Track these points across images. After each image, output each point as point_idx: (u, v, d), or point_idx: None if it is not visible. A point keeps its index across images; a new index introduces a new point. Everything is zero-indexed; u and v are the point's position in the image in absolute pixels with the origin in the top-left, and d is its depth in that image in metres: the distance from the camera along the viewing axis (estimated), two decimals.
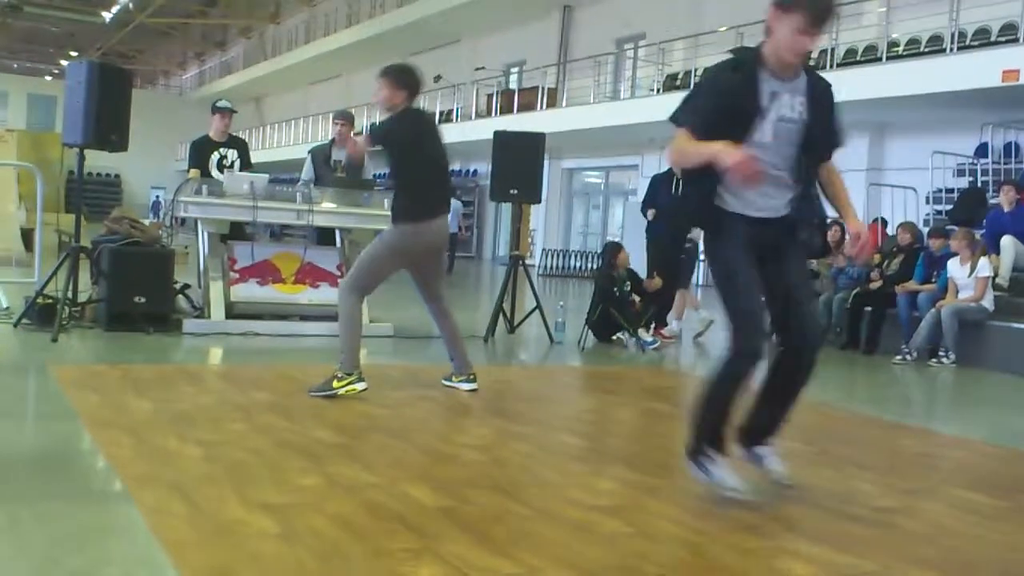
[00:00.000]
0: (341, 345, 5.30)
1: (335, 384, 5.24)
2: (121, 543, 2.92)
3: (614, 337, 8.81)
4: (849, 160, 12.17)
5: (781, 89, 3.45)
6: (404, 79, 5.45)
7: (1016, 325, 8.49)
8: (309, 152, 8.82)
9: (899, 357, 8.71)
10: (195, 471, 3.63)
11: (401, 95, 5.42)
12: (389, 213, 5.52)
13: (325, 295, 8.09)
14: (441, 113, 27.48)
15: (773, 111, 3.45)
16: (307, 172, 8.55)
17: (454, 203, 20.54)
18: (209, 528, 2.99)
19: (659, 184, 9.40)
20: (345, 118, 8.75)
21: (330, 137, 8.86)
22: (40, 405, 5.10)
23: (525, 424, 5.20)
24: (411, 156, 5.41)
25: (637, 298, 8.99)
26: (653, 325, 9.15)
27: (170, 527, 2.96)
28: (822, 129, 3.55)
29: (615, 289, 8.86)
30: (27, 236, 13.91)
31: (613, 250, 9.16)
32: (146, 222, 8.88)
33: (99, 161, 26.44)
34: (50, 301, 7.10)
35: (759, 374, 3.53)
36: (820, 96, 3.54)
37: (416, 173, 5.43)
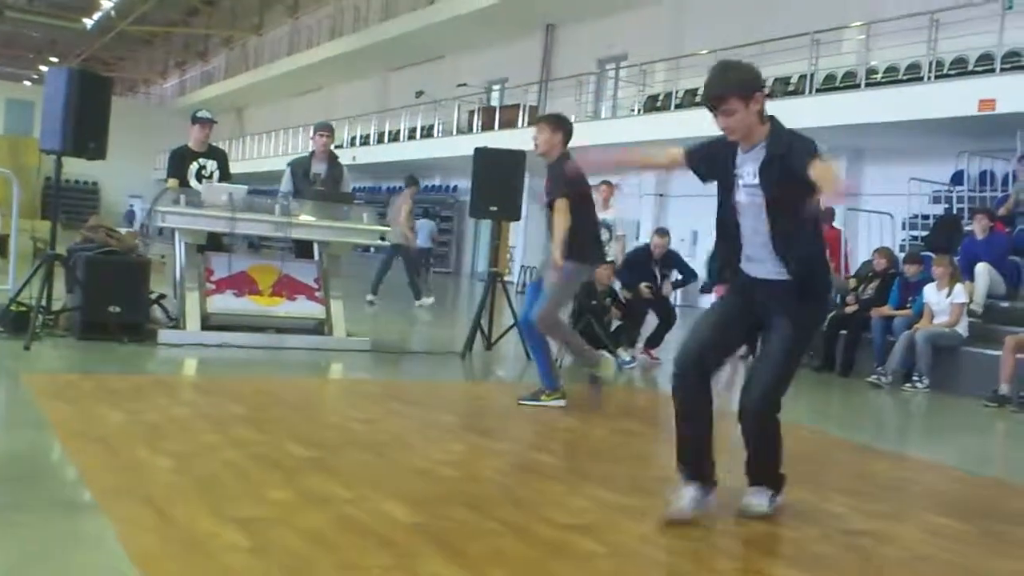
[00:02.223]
0: (580, 355, 6.04)
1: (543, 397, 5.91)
2: (90, 555, 2.88)
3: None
4: None
5: (745, 159, 3.61)
6: (562, 124, 5.97)
7: (989, 351, 8.56)
8: (288, 165, 8.80)
9: (874, 377, 8.77)
10: (166, 483, 3.60)
11: (558, 139, 5.89)
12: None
13: (302, 308, 8.06)
14: (422, 129, 27.55)
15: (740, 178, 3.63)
16: (286, 184, 8.53)
17: (428, 222, 20.74)
18: (179, 541, 2.96)
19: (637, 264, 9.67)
20: (328, 130, 8.75)
21: (310, 150, 8.85)
22: (11, 414, 5.04)
23: (500, 441, 5.19)
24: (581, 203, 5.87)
25: (618, 315, 9.04)
26: (642, 346, 9.21)
27: (140, 539, 2.93)
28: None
29: (594, 302, 8.90)
30: (2, 242, 13.78)
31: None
32: (122, 231, 8.81)
33: (77, 168, 26.30)
34: (24, 309, 7.03)
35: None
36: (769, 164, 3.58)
37: (586, 217, 5.96)
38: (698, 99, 18.45)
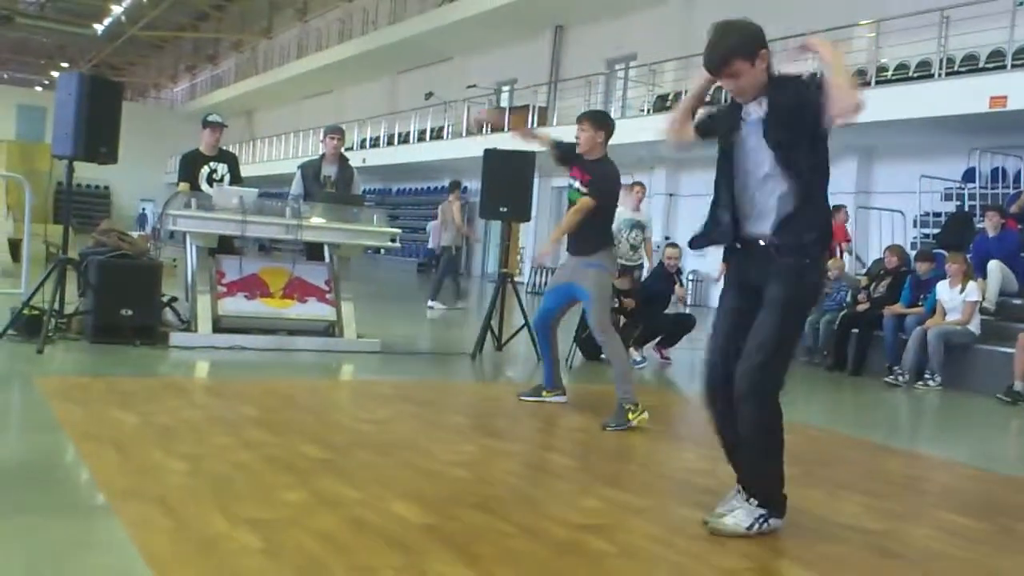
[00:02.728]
0: (623, 381, 5.59)
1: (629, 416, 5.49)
2: (103, 557, 2.89)
3: (603, 356, 8.80)
4: (838, 183, 12.22)
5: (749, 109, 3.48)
6: (605, 121, 5.93)
7: (1001, 349, 8.53)
8: (299, 167, 8.82)
9: (891, 378, 8.74)
10: (179, 485, 3.61)
11: (601, 136, 5.81)
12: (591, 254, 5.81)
13: (313, 310, 8.07)
14: (432, 130, 27.56)
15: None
16: (296, 187, 8.55)
17: (438, 223, 20.89)
18: (192, 543, 2.97)
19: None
20: (339, 133, 8.77)
21: (320, 152, 8.87)
22: (24, 417, 5.06)
23: (511, 442, 5.19)
24: (612, 205, 5.95)
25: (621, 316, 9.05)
26: (654, 345, 9.28)
27: (153, 541, 2.94)
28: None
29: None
30: (15, 247, 13.85)
31: None
32: (134, 235, 8.85)
33: (88, 173, 26.40)
34: (36, 312, 7.06)
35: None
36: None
37: (611, 218, 6.02)
38: (708, 98, 18.41)
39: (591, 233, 5.80)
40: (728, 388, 3.44)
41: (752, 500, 3.46)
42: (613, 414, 5.50)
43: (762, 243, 3.46)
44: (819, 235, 3.46)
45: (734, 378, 3.42)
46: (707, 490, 4.32)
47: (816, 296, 3.74)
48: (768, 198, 3.43)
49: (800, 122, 3.34)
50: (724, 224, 3.54)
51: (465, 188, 27.60)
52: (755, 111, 3.44)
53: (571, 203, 5.88)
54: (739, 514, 3.45)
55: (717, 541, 3.39)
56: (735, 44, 3.35)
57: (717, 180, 3.60)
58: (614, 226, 9.88)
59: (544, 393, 6.17)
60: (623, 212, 9.71)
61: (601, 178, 5.83)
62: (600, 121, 5.91)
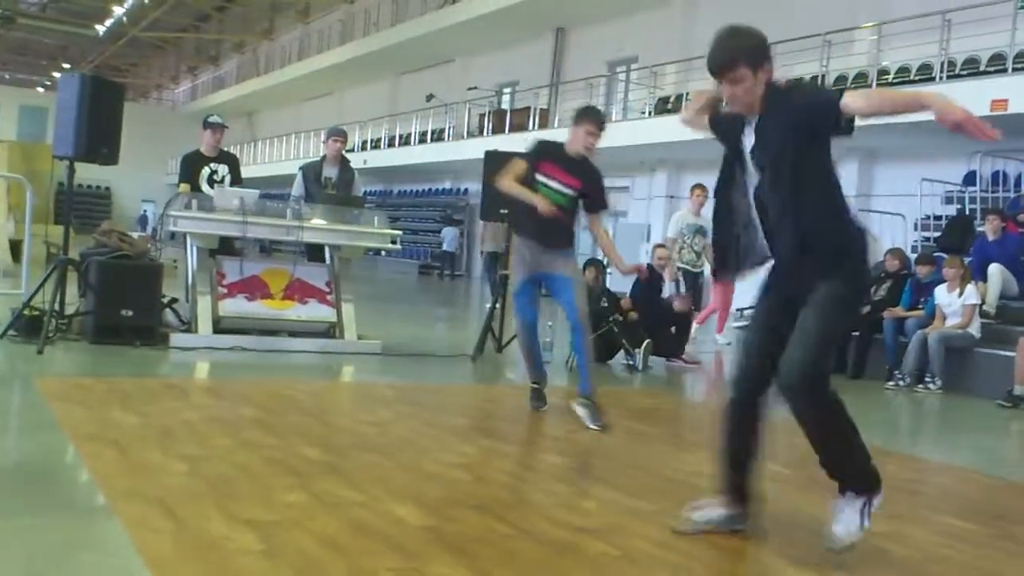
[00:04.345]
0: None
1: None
2: (103, 558, 2.89)
3: (609, 361, 8.82)
4: None
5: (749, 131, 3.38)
6: (600, 118, 5.68)
7: (1002, 352, 8.53)
8: (300, 169, 8.82)
9: (892, 383, 8.74)
10: (179, 486, 3.61)
11: (599, 136, 5.60)
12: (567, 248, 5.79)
13: (313, 311, 8.08)
14: (433, 132, 27.59)
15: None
16: (297, 188, 8.55)
17: (453, 229, 21.10)
18: (192, 544, 2.97)
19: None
20: (342, 136, 8.77)
21: (322, 154, 8.87)
22: (24, 417, 5.06)
23: (511, 443, 5.19)
24: None
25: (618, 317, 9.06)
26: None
27: (153, 542, 2.94)
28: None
29: (605, 306, 8.93)
30: (15, 247, 13.85)
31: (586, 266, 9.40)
32: (135, 235, 8.85)
33: (89, 173, 26.41)
34: (37, 313, 7.06)
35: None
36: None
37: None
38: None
39: (573, 228, 5.75)
40: (754, 406, 3.39)
41: (849, 493, 3.30)
42: (589, 414, 5.53)
43: (795, 255, 3.29)
44: (847, 238, 3.32)
45: (761, 394, 3.36)
46: (709, 493, 4.32)
47: (862, 295, 3.64)
48: (785, 211, 3.28)
49: (790, 137, 3.21)
50: (759, 242, 3.39)
51: (466, 191, 27.68)
52: (750, 138, 3.35)
53: (557, 206, 5.55)
54: (847, 515, 3.29)
55: (716, 544, 3.39)
56: (743, 48, 3.27)
57: (733, 197, 3.44)
58: (674, 231, 9.83)
59: (581, 400, 5.68)
60: (684, 216, 9.67)
61: (600, 182, 5.75)
62: (604, 124, 5.70)
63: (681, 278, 9.74)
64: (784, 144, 3.21)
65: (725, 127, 3.51)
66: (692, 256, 9.41)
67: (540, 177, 5.62)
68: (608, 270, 9.45)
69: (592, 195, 5.72)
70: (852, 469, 3.31)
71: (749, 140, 3.34)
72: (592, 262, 9.57)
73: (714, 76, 3.31)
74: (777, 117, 3.24)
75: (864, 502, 3.29)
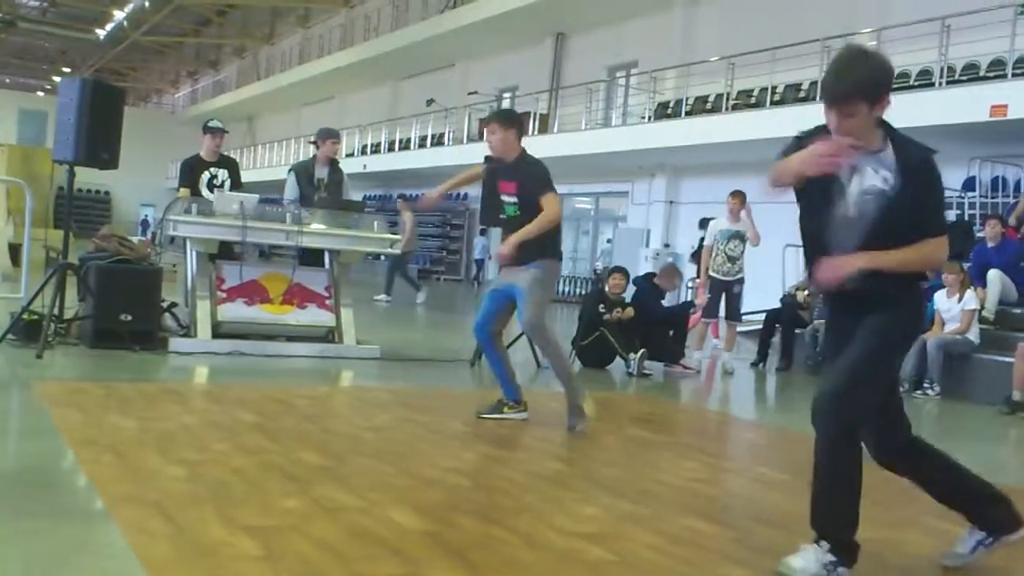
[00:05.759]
0: (565, 380, 5.66)
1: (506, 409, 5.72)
2: (100, 563, 2.89)
3: (608, 368, 8.84)
4: None
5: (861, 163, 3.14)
6: (514, 117, 5.77)
7: (1001, 358, 8.53)
8: (291, 170, 8.79)
9: None
10: (178, 491, 3.60)
11: (513, 134, 5.58)
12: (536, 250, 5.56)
13: (312, 316, 8.08)
14: (433, 137, 27.62)
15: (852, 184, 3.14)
16: (291, 190, 8.53)
17: (483, 239, 21.18)
18: (190, 549, 2.96)
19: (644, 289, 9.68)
20: (338, 137, 8.78)
21: (312, 154, 8.81)
22: (23, 422, 5.06)
23: (510, 449, 5.18)
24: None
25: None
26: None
27: (151, 547, 2.93)
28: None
29: (602, 310, 8.96)
30: (15, 251, 13.85)
31: (611, 273, 9.42)
32: (135, 240, 8.86)
33: (89, 177, 26.41)
34: (36, 317, 7.06)
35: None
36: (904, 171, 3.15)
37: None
38: (709, 105, 18.47)
39: (543, 240, 5.56)
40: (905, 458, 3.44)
41: (823, 543, 3.05)
42: (570, 414, 5.60)
43: (856, 286, 3.07)
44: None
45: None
46: (708, 499, 4.32)
47: (916, 327, 3.46)
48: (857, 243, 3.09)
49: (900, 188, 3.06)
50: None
51: (466, 196, 27.69)
52: (870, 166, 3.12)
53: (510, 218, 5.60)
54: (809, 556, 3.04)
55: (717, 551, 3.39)
56: (863, 81, 3.00)
57: (810, 239, 3.25)
58: (710, 240, 9.85)
59: (505, 409, 5.76)
60: (719, 223, 9.63)
61: (538, 177, 5.56)
62: (508, 118, 5.69)
63: (707, 288, 9.65)
64: (894, 190, 3.07)
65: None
66: (724, 262, 9.36)
67: (501, 195, 5.68)
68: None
69: (530, 188, 5.57)
70: (832, 520, 3.10)
71: (864, 170, 3.12)
72: (618, 269, 9.60)
73: (826, 104, 3.07)
74: (894, 162, 3.11)
75: (831, 562, 3.02)
